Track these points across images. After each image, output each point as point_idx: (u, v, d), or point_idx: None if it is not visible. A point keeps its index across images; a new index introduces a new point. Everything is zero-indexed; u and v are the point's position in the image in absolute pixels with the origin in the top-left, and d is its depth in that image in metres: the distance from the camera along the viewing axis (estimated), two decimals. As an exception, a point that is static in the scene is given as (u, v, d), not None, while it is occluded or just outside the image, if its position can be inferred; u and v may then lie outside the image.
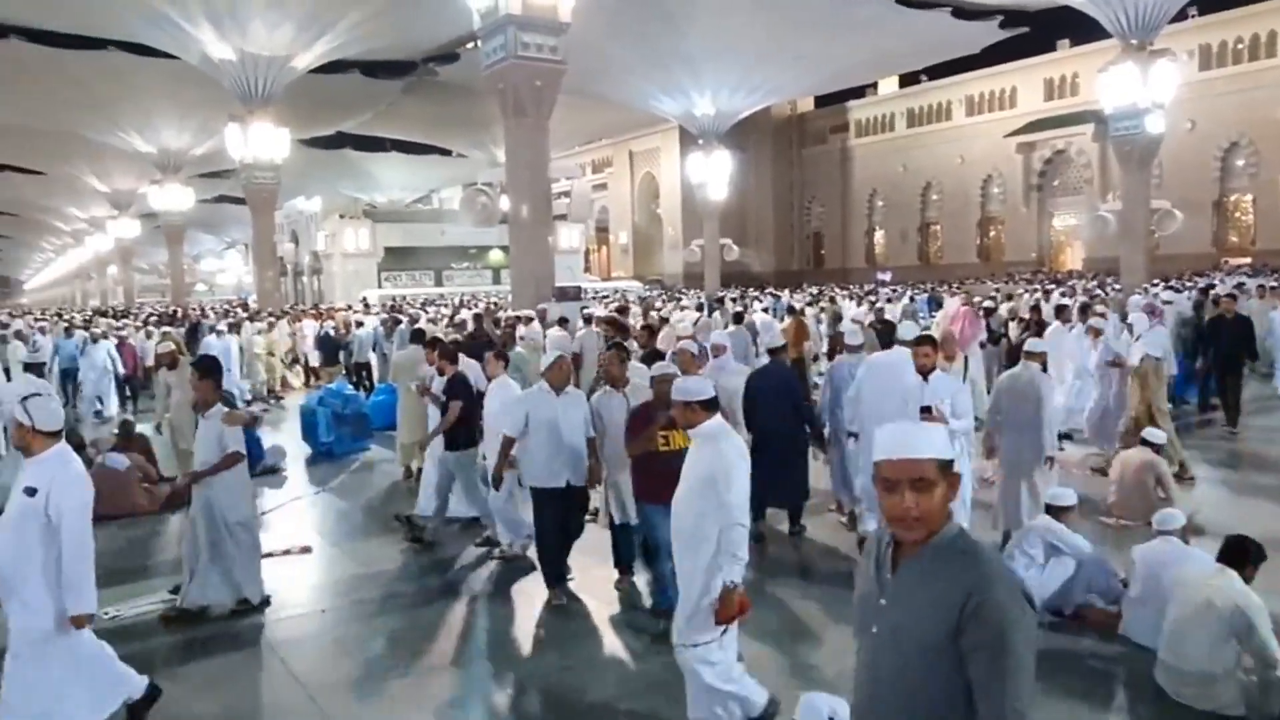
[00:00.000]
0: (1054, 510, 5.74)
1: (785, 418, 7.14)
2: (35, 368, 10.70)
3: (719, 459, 4.01)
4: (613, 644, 5.50)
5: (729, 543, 3.91)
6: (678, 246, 57.06)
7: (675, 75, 32.64)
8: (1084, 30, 44.02)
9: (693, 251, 41.51)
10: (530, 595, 6.33)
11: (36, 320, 26.25)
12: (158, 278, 75.41)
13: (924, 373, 6.17)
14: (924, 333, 6.98)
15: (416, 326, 13.68)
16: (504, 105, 20.63)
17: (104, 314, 32.77)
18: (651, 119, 43.94)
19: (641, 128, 53.92)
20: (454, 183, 53.97)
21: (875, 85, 55.35)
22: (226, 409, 5.94)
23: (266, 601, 6.18)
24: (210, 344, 14.63)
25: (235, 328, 17.43)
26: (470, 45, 29.33)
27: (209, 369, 6.11)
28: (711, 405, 4.17)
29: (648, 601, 5.98)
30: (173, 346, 9.92)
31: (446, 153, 46.98)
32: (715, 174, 36.85)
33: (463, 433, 7.42)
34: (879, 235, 60.37)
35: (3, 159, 44.37)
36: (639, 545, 6.18)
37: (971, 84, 52.08)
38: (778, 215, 63.01)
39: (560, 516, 6.00)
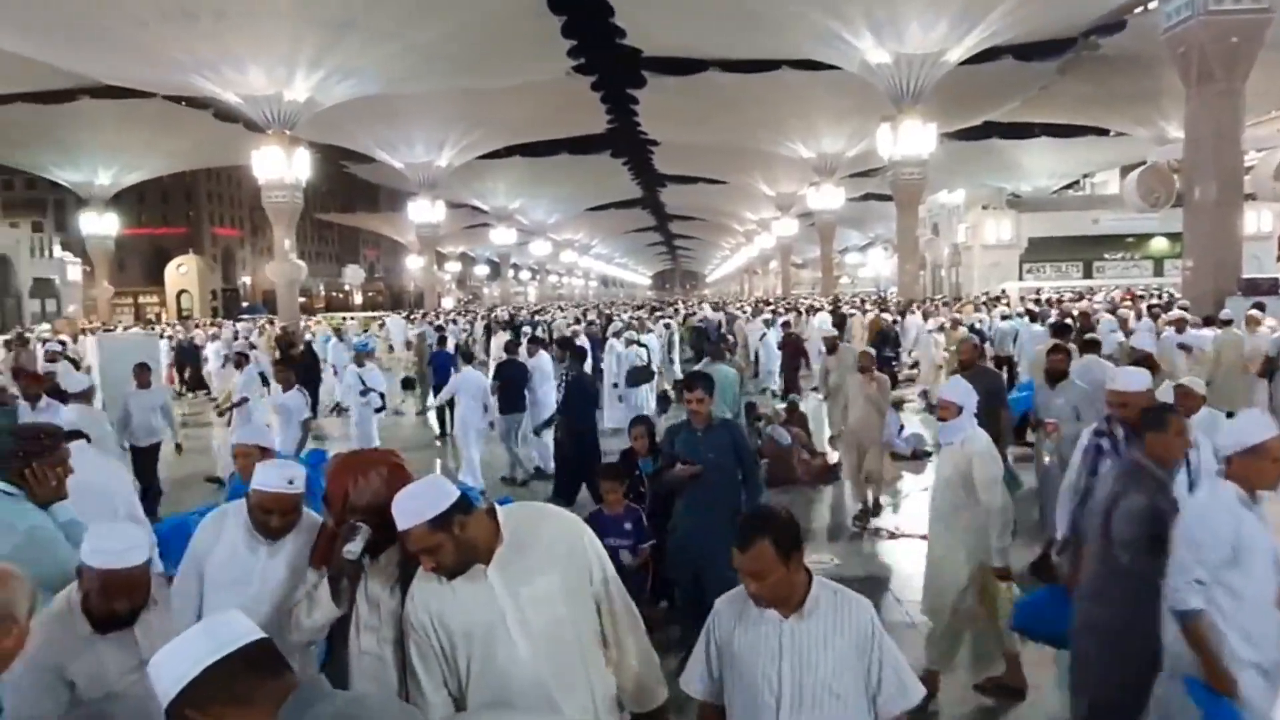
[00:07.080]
0: None
1: None
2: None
3: None
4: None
5: None
6: None
7: None
8: None
9: None
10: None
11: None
12: (808, 271, 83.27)
13: None
14: None
15: (1063, 322, 12.87)
16: (1185, 71, 18.03)
17: (767, 303, 37.28)
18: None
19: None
20: (1110, 165, 49.35)
21: None
22: None
23: None
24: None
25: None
26: (1139, 10, 26.56)
27: None
28: None
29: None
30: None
31: (1104, 133, 42.97)
32: None
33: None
34: None
35: (699, 173, 53.51)
36: None
37: None
38: None
39: None
